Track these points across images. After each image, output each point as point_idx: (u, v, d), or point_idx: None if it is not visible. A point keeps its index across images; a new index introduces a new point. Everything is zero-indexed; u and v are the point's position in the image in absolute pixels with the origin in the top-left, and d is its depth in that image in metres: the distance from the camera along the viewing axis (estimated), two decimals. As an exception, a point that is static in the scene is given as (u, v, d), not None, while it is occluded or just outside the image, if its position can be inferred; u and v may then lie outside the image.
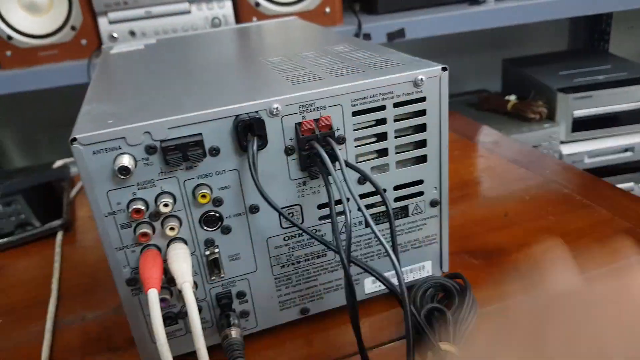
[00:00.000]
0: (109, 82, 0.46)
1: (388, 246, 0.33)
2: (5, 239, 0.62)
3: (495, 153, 0.72)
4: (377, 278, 0.33)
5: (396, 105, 0.38)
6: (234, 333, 0.37)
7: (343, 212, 0.36)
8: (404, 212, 0.42)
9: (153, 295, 0.31)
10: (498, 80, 1.49)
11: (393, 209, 0.41)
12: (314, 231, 0.40)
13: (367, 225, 0.37)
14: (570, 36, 1.63)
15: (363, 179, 0.39)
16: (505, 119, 1.29)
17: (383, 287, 0.44)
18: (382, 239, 0.33)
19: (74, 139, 0.32)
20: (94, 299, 0.50)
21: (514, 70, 1.41)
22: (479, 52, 1.61)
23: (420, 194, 0.42)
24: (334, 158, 0.35)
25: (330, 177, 0.35)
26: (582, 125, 1.21)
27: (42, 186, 0.78)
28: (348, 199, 0.35)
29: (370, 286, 0.43)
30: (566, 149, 1.21)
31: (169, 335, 0.39)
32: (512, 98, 1.31)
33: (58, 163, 0.87)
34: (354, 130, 0.38)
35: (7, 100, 1.61)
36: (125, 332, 0.44)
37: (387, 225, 0.42)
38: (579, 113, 1.19)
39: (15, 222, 0.65)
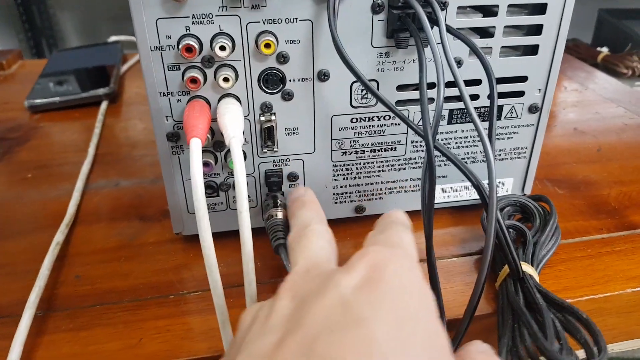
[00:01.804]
0: None
1: (484, 134, 0.26)
2: (47, 99, 0.59)
3: (589, 89, 0.63)
4: (463, 172, 0.27)
5: (517, -28, 0.30)
6: (280, 214, 0.32)
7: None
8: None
9: (195, 146, 0.26)
10: (590, 32, 1.35)
11: (483, 107, 0.35)
12: (386, 117, 0.34)
13: (468, 113, 0.31)
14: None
15: (457, 61, 0.32)
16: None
17: (452, 199, 0.38)
18: (477, 122, 0.26)
19: (125, -58, 0.26)
20: (131, 168, 0.46)
21: (610, 22, 1.27)
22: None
23: (520, 94, 0.35)
24: (433, 22, 0.28)
25: (423, 47, 0.28)
26: (678, 85, 1.08)
27: (87, 60, 0.74)
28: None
29: (437, 195, 0.38)
30: (655, 110, 1.08)
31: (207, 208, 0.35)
32: (604, 50, 1.19)
33: (112, 38, 0.83)
34: (460, -5, 0.30)
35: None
36: (161, 204, 0.41)
37: (470, 126, 0.35)
38: (678, 72, 1.06)
39: (52, 89, 0.62)
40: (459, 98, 0.33)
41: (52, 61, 0.73)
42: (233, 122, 0.28)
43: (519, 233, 0.34)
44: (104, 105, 0.60)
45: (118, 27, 1.61)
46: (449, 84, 0.31)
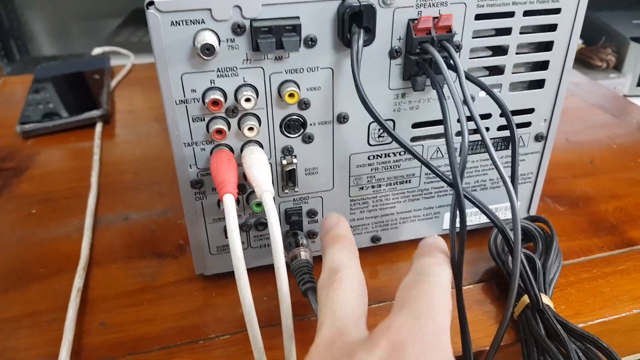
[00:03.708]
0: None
1: (506, 175, 0.28)
2: (40, 124, 0.58)
3: (576, 95, 0.65)
4: (491, 219, 0.28)
5: (526, 13, 0.31)
6: (304, 254, 0.33)
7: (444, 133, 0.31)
8: (504, 143, 0.36)
9: (230, 202, 0.26)
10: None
11: (493, 138, 0.36)
12: (402, 152, 0.35)
13: (486, 149, 0.32)
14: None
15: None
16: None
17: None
18: (499, 164, 0.28)
19: (151, 2, 0.26)
20: (137, 199, 0.46)
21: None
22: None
23: (527, 124, 0.36)
24: (451, 68, 0.29)
25: (443, 89, 0.29)
26: (651, 79, 1.12)
27: (75, 75, 0.73)
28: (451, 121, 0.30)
29: (446, 222, 0.39)
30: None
31: (225, 249, 0.35)
32: (579, 42, 1.22)
33: (96, 51, 0.81)
34: (473, 37, 0.31)
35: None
36: (175, 238, 0.41)
37: (483, 156, 0.37)
38: (651, 65, 1.10)
39: (43, 111, 0.60)
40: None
41: (37, 78, 0.71)
42: (262, 174, 0.28)
43: (527, 259, 0.35)
44: (98, 127, 0.59)
45: (89, 26, 1.57)
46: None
